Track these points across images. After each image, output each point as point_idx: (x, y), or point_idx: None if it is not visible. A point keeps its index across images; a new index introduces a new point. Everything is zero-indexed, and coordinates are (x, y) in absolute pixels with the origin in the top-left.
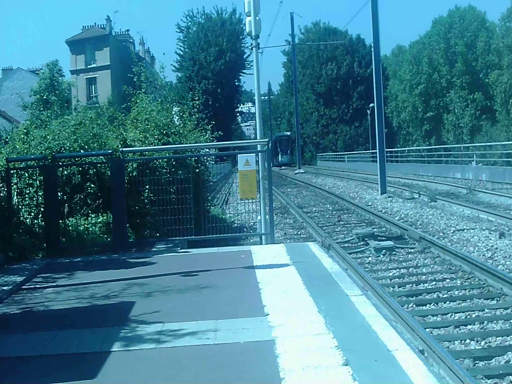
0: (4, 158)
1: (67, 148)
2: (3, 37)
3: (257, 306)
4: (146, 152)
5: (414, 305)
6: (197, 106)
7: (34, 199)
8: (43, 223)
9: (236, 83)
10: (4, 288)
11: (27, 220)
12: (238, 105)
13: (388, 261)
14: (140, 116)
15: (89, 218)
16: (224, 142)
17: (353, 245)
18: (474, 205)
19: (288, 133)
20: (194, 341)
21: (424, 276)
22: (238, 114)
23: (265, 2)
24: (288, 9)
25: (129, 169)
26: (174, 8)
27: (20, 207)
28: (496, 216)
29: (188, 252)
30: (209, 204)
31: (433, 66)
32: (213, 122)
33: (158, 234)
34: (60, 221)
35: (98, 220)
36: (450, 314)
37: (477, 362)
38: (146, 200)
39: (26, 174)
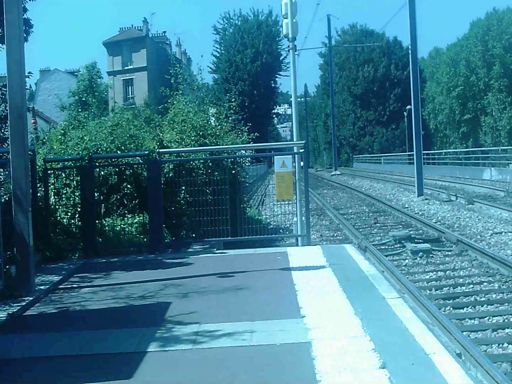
0: (42, 158)
1: (104, 149)
2: (41, 38)
3: (293, 308)
4: (183, 153)
5: (451, 308)
6: (233, 108)
7: (71, 199)
8: (79, 223)
9: (272, 85)
10: (41, 287)
11: (64, 220)
12: (274, 106)
13: (425, 263)
14: (177, 118)
15: (126, 218)
16: (260, 143)
17: (390, 247)
18: None
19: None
20: (231, 342)
21: (461, 279)
22: (274, 116)
23: (302, 4)
24: (325, 11)
25: (165, 170)
26: (210, 10)
27: (57, 207)
28: None
29: (224, 253)
30: (245, 205)
31: (471, 68)
32: (249, 124)
33: (194, 235)
34: (97, 221)
35: (135, 221)
36: (487, 317)
37: None
38: (182, 201)
39: (63, 175)
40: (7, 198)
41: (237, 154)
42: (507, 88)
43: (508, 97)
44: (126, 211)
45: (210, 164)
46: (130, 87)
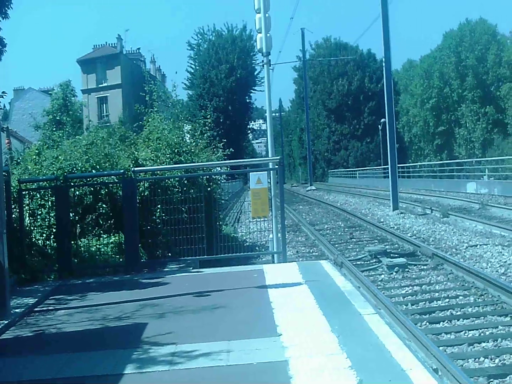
0: (16, 179)
1: (79, 168)
2: (15, 57)
3: (270, 326)
4: (158, 172)
5: (427, 323)
6: (209, 124)
7: (46, 220)
8: (55, 244)
9: (247, 100)
10: (17, 310)
11: (39, 241)
12: (249, 122)
13: (401, 278)
14: (152, 135)
15: (101, 238)
16: (235, 160)
17: (366, 262)
18: (486, 220)
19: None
20: (207, 362)
21: (437, 293)
22: (249, 131)
23: (276, 18)
24: (298, 25)
25: (140, 188)
26: (184, 26)
27: (32, 228)
28: (509, 231)
29: (201, 272)
30: (220, 223)
31: (444, 80)
32: (225, 140)
33: (170, 254)
34: (72, 242)
35: (110, 241)
36: (463, 331)
37: (491, 380)
38: (158, 220)
39: (38, 195)
40: None
41: (212, 171)
42: (480, 99)
43: (481, 108)
44: (101, 231)
45: (186, 181)
46: (104, 105)
